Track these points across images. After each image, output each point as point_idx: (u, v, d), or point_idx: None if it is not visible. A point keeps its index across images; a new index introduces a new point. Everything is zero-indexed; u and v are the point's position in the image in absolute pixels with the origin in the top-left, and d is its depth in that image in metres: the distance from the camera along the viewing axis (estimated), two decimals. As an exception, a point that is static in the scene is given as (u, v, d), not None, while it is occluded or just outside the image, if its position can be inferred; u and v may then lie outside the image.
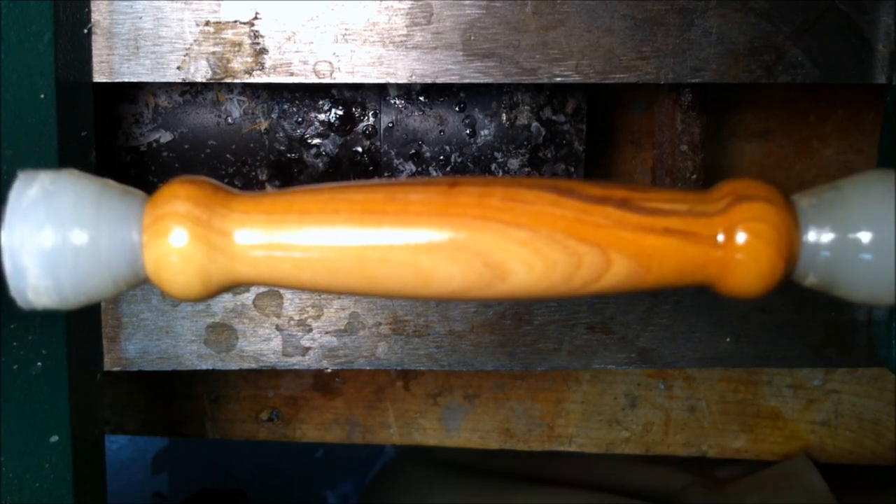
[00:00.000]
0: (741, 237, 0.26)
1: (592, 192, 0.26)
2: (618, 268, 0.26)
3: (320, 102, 0.54)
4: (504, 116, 0.54)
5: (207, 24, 0.45)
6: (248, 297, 0.50)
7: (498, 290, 0.26)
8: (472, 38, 0.45)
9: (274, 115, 0.54)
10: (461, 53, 0.46)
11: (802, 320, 0.52)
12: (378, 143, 0.54)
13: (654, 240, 0.26)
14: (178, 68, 0.45)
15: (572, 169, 0.55)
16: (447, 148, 0.54)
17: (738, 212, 0.26)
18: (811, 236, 0.27)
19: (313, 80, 0.46)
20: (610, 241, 0.26)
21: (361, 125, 0.54)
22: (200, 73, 0.45)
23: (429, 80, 0.46)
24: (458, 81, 0.46)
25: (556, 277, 0.26)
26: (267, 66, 0.45)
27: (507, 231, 0.25)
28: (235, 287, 0.28)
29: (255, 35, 0.45)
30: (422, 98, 0.54)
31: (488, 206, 0.25)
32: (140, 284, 0.27)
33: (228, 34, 0.45)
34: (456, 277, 0.26)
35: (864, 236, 0.26)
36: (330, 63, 0.46)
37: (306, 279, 0.26)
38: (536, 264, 0.26)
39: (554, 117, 0.54)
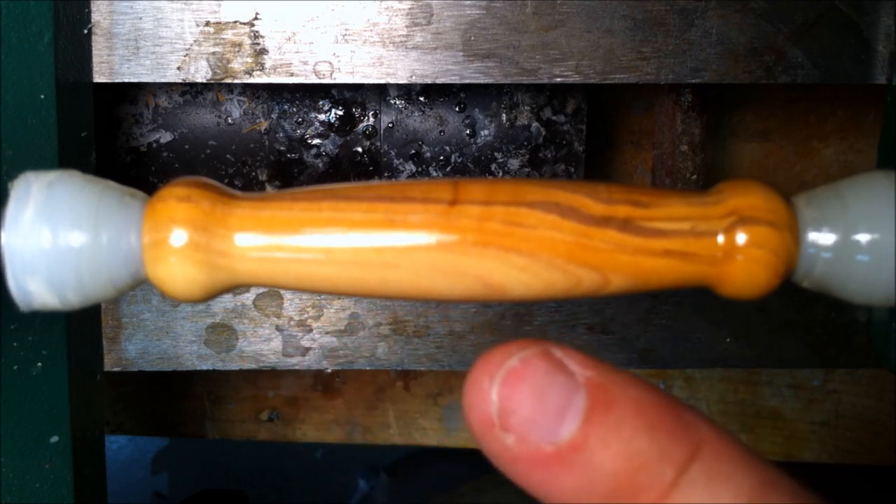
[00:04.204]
0: (739, 261, 0.26)
1: (595, 212, 0.26)
2: (615, 285, 0.26)
3: (320, 103, 0.54)
4: (504, 117, 0.54)
5: (207, 24, 0.45)
6: (249, 297, 0.50)
7: (496, 301, 0.27)
8: (473, 38, 0.45)
9: (274, 116, 0.54)
10: (461, 54, 0.46)
11: (802, 320, 0.52)
12: (378, 144, 0.54)
13: (652, 261, 0.26)
14: (179, 69, 0.45)
15: (572, 169, 0.55)
16: (447, 148, 0.54)
17: (744, 234, 0.26)
18: (810, 238, 0.27)
19: (313, 80, 0.46)
20: (609, 265, 0.26)
21: (361, 125, 0.54)
22: (200, 73, 0.45)
23: (429, 81, 0.46)
24: (458, 82, 0.46)
25: (553, 293, 0.26)
26: (267, 66, 0.45)
27: (507, 257, 0.26)
28: (236, 289, 0.28)
29: (255, 35, 0.45)
30: (422, 98, 0.54)
31: (488, 230, 0.26)
32: (140, 285, 0.27)
33: (228, 34, 0.45)
34: (454, 294, 0.26)
35: (864, 238, 0.26)
36: (330, 63, 0.46)
37: (306, 288, 0.27)
38: (535, 285, 0.26)
39: (554, 118, 0.54)
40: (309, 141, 0.54)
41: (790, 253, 0.26)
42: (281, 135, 0.54)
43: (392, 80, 0.46)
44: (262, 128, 0.54)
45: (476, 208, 0.26)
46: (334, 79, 0.46)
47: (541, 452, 0.20)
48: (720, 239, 0.26)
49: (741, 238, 0.26)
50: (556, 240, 0.26)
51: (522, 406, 0.20)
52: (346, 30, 0.45)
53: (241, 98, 0.54)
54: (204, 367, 0.51)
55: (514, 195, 0.26)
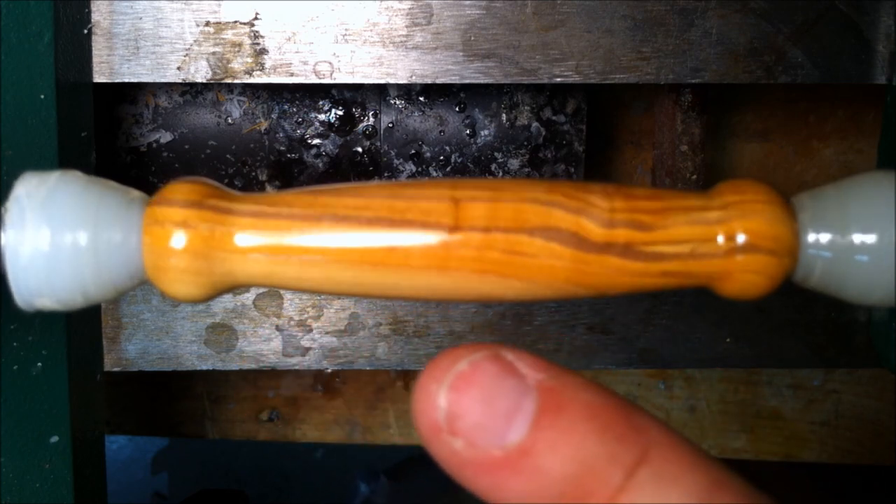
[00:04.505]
0: (735, 280, 0.27)
1: (596, 238, 0.26)
2: (610, 296, 0.27)
3: (320, 103, 0.54)
4: (504, 117, 0.54)
5: (207, 24, 0.45)
6: (249, 297, 0.50)
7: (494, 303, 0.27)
8: (473, 38, 0.45)
9: (274, 116, 0.54)
10: (461, 54, 0.46)
11: (802, 320, 0.52)
12: (378, 144, 0.54)
13: (650, 281, 0.26)
14: (179, 69, 0.45)
15: (572, 169, 0.55)
16: (447, 148, 0.54)
17: (742, 262, 0.26)
18: (810, 240, 0.27)
19: (313, 80, 0.46)
20: (606, 286, 0.26)
21: (361, 125, 0.54)
22: (200, 73, 0.45)
23: (429, 81, 0.46)
24: (458, 82, 0.46)
25: (549, 301, 0.27)
26: (267, 66, 0.45)
27: (506, 282, 0.26)
28: (236, 289, 0.28)
29: (256, 35, 0.45)
30: (422, 98, 0.54)
31: (488, 259, 0.26)
32: (140, 285, 0.27)
33: (228, 34, 0.45)
34: (453, 302, 0.27)
35: (864, 238, 0.26)
36: (330, 63, 0.46)
37: (308, 291, 0.27)
38: (531, 299, 0.27)
39: (554, 118, 0.54)
40: (309, 141, 0.54)
41: (787, 272, 0.27)
42: (281, 135, 0.54)
43: (392, 80, 0.46)
44: (262, 128, 0.54)
45: (476, 236, 0.25)
46: (334, 79, 0.46)
47: (489, 457, 0.19)
48: (719, 261, 0.26)
49: (740, 263, 0.26)
50: (555, 267, 0.26)
51: (470, 410, 0.20)
52: (346, 30, 0.45)
53: (241, 98, 0.54)
54: (204, 367, 0.51)
55: (516, 219, 0.26)
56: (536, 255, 0.26)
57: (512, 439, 0.19)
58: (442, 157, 0.54)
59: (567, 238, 0.26)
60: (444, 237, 0.25)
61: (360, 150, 0.54)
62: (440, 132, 0.54)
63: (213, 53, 0.45)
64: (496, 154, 0.54)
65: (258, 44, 0.45)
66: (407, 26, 0.45)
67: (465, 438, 0.20)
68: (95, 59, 0.44)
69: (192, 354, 0.50)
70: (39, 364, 0.40)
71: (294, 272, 0.26)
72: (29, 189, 0.25)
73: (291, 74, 0.46)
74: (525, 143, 0.54)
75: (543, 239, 0.26)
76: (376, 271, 0.26)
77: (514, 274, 0.26)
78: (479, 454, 0.19)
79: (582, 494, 0.19)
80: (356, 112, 0.54)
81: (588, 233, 0.26)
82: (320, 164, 0.54)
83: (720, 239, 0.26)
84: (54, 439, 0.40)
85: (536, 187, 0.26)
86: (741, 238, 0.26)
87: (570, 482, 0.19)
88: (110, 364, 0.50)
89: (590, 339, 0.52)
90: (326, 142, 0.54)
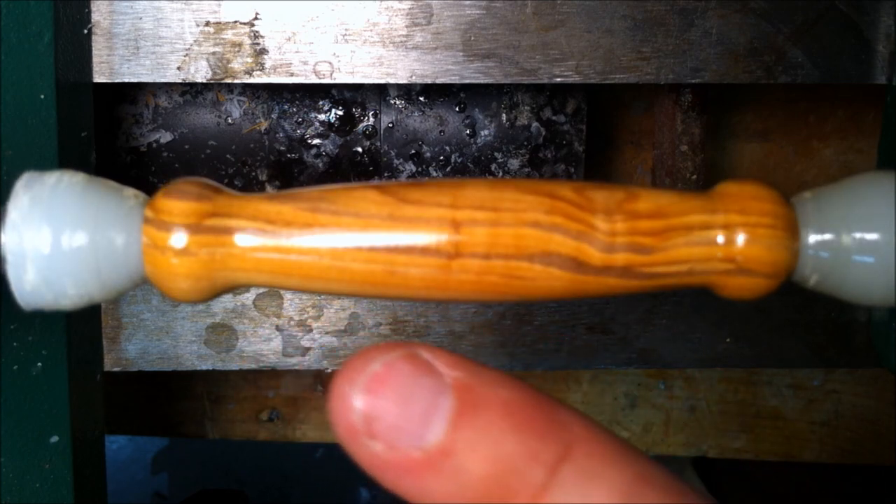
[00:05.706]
0: (730, 292, 0.27)
1: (595, 262, 0.26)
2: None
3: (320, 103, 0.54)
4: (504, 117, 0.54)
5: (207, 24, 0.45)
6: (249, 297, 0.50)
7: None
8: (473, 38, 0.45)
9: (274, 116, 0.54)
10: (461, 54, 0.46)
11: (802, 321, 0.52)
12: (378, 144, 0.54)
13: (644, 290, 0.27)
14: (179, 69, 0.45)
15: (572, 169, 0.55)
16: (447, 148, 0.54)
17: (737, 281, 0.27)
18: (811, 241, 0.27)
19: (313, 80, 0.46)
20: (602, 296, 0.27)
21: (361, 125, 0.54)
22: (200, 73, 0.45)
23: (429, 81, 0.46)
24: (458, 82, 0.46)
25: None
26: (267, 66, 0.45)
27: (504, 298, 0.27)
28: (236, 289, 0.28)
29: (255, 35, 0.45)
30: (422, 98, 0.54)
31: (487, 282, 0.26)
32: (141, 285, 0.27)
33: (228, 34, 0.45)
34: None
35: (864, 238, 0.26)
36: (330, 63, 0.46)
37: (308, 291, 0.27)
38: (529, 303, 0.27)
39: (554, 118, 0.54)
40: (309, 141, 0.54)
41: (780, 282, 0.27)
42: (281, 135, 0.54)
43: (392, 80, 0.46)
44: (262, 128, 0.54)
45: (476, 263, 0.26)
46: (334, 79, 0.46)
47: (409, 459, 0.19)
48: (715, 276, 0.27)
49: (735, 281, 0.27)
50: (553, 287, 0.26)
51: (387, 412, 0.19)
52: (346, 30, 0.45)
53: (241, 98, 0.54)
54: (204, 367, 0.51)
55: (517, 246, 0.26)
56: (535, 278, 0.26)
57: (430, 440, 0.19)
58: (442, 157, 0.54)
59: (566, 262, 0.26)
60: (444, 264, 0.26)
61: (360, 150, 0.54)
62: (440, 132, 0.54)
63: (213, 53, 0.45)
64: (496, 154, 0.54)
65: (258, 44, 0.45)
66: (407, 26, 0.45)
67: (384, 441, 0.19)
68: (95, 59, 0.44)
69: (192, 354, 0.50)
70: (39, 364, 0.40)
71: (294, 280, 0.26)
72: (29, 189, 0.25)
73: (291, 74, 0.46)
74: (525, 143, 0.54)
75: (543, 265, 0.26)
76: (376, 289, 0.26)
77: (512, 293, 0.26)
78: (398, 456, 0.19)
79: (504, 494, 0.19)
80: (356, 112, 0.54)
81: (588, 257, 0.26)
82: (320, 164, 0.54)
83: (719, 261, 0.26)
84: (54, 439, 0.40)
85: (537, 206, 0.26)
86: (740, 259, 0.26)
87: (491, 482, 0.19)
88: (110, 364, 0.50)
89: (590, 339, 0.52)
90: (326, 142, 0.54)
